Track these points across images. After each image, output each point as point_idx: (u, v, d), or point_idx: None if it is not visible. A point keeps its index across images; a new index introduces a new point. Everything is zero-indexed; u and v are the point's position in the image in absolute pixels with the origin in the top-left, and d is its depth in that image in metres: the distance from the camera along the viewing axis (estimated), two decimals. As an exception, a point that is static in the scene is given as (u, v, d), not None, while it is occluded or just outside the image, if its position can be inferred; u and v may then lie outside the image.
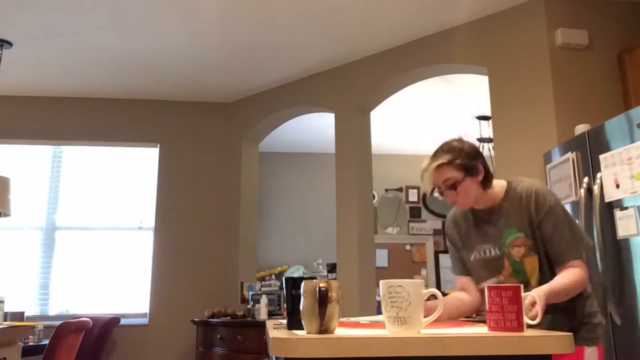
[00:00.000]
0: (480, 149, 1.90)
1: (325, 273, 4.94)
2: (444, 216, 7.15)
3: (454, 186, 1.83)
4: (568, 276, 1.72)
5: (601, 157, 2.58)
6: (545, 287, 1.63)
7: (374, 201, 4.74)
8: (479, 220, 1.92)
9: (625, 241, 2.45)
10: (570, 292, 1.73)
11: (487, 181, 1.86)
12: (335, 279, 4.48)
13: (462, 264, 2.00)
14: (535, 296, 1.45)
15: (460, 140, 1.90)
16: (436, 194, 1.90)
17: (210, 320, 4.40)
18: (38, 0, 3.58)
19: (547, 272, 1.81)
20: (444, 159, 1.83)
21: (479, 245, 1.91)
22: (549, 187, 1.89)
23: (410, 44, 4.20)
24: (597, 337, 1.81)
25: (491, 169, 1.91)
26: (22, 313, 4.24)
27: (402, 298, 1.19)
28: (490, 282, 1.86)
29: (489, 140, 5.90)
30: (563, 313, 1.80)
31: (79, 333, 3.98)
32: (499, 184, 1.90)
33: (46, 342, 3.81)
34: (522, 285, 1.25)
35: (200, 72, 4.75)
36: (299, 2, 3.65)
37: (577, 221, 1.87)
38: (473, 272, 1.96)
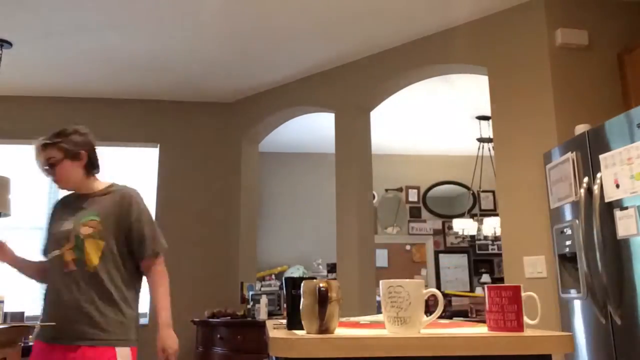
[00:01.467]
0: (94, 144, 2.25)
1: (325, 273, 4.94)
2: (444, 216, 7.15)
3: (53, 165, 2.09)
4: (160, 292, 2.39)
5: (601, 157, 2.58)
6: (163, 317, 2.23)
7: (374, 201, 4.74)
8: (75, 201, 2.18)
9: (625, 241, 2.45)
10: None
11: (90, 169, 2.16)
12: (335, 279, 4.48)
13: (44, 245, 2.24)
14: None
15: (74, 128, 2.17)
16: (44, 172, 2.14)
17: (210, 320, 4.40)
18: (38, 0, 3.58)
19: (112, 262, 2.08)
20: (49, 139, 2.11)
21: (60, 221, 2.14)
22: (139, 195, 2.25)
23: (410, 44, 4.20)
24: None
25: (97, 162, 2.22)
26: (22, 313, 4.24)
27: (402, 298, 1.19)
28: (53, 254, 2.10)
29: (489, 140, 5.90)
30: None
31: (79, 333, 3.97)
32: (104, 182, 2.22)
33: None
34: (522, 285, 1.25)
35: (200, 72, 4.75)
36: (299, 2, 3.65)
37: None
38: (48, 245, 2.19)
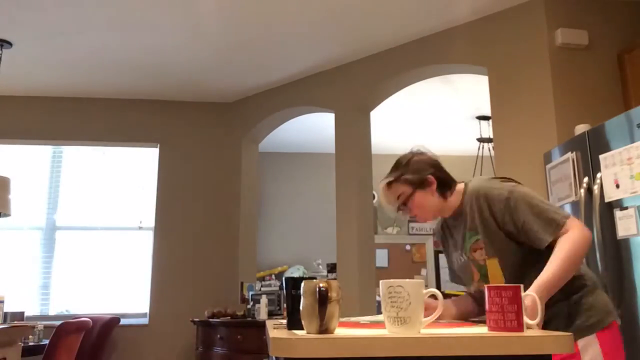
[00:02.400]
0: (438, 160, 1.89)
1: (325, 273, 4.94)
2: (444, 216, 7.15)
3: (406, 202, 1.82)
4: (556, 257, 1.58)
5: (601, 157, 2.58)
6: (539, 283, 1.53)
7: (374, 201, 4.74)
8: (450, 228, 1.93)
9: (625, 241, 2.45)
10: (567, 271, 1.58)
11: (444, 190, 1.84)
12: (335, 279, 4.48)
13: (452, 271, 2.00)
14: (536, 297, 1.38)
15: (410, 153, 1.90)
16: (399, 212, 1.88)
17: (210, 320, 4.40)
18: (38, 0, 3.58)
19: (517, 274, 1.71)
20: (391, 176, 1.85)
21: (453, 254, 1.92)
22: (492, 182, 1.80)
23: (410, 44, 4.20)
24: (592, 324, 1.68)
25: (449, 177, 1.87)
26: (22, 313, 4.24)
27: (402, 298, 1.19)
28: (470, 289, 1.88)
29: (489, 140, 5.89)
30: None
31: (79, 333, 3.98)
32: (459, 188, 1.87)
33: (46, 342, 3.81)
34: (522, 286, 1.25)
35: (200, 72, 4.75)
36: (298, 2, 3.65)
37: (541, 199, 1.73)
38: (455, 277, 1.98)
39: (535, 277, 1.56)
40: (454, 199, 1.85)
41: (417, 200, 1.82)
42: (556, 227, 1.64)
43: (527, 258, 1.72)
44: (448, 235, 1.95)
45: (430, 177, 1.82)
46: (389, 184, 1.84)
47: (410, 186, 1.81)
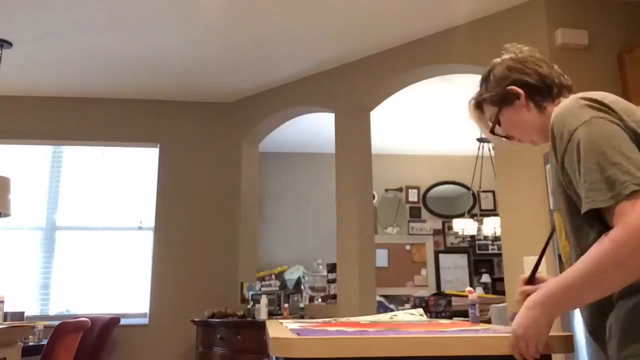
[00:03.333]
0: (524, 62, 1.49)
1: (325, 273, 4.93)
2: (444, 216, 7.15)
3: (499, 124, 1.46)
4: (579, 262, 1.11)
5: (601, 157, 2.57)
6: (545, 291, 1.15)
7: (374, 201, 4.73)
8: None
9: (625, 241, 2.44)
10: (585, 288, 1.09)
11: (540, 99, 1.38)
12: (335, 279, 4.48)
13: None
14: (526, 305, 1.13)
15: (490, 69, 1.53)
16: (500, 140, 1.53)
17: (210, 320, 4.40)
18: (38, 0, 3.58)
19: (581, 237, 1.22)
20: (473, 98, 1.55)
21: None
22: (574, 105, 1.21)
23: (410, 44, 4.20)
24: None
25: (545, 79, 1.41)
26: (22, 313, 4.24)
27: None
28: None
29: (489, 140, 5.89)
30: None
31: (78, 333, 3.97)
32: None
33: (46, 342, 3.81)
34: None
35: (200, 72, 4.75)
36: (299, 2, 3.65)
37: (624, 145, 1.11)
38: None
39: (576, 259, 1.16)
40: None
41: (507, 119, 1.44)
42: (613, 194, 1.06)
43: (577, 230, 1.24)
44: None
45: (512, 88, 1.41)
46: (475, 108, 1.54)
47: (494, 105, 1.46)
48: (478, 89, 1.51)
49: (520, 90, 1.39)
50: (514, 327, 1.14)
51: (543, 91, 1.38)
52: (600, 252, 1.06)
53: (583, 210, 1.12)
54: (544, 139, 1.40)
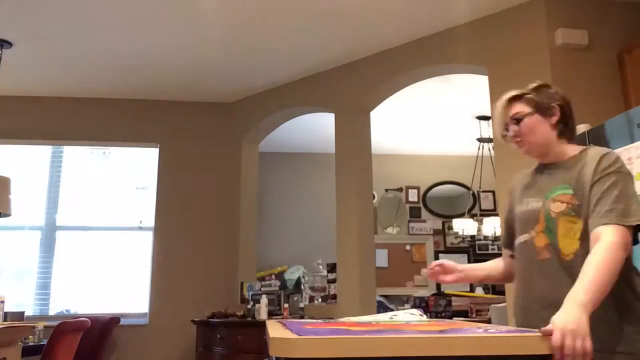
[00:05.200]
0: (570, 102, 1.76)
1: (325, 273, 4.94)
2: (444, 216, 7.15)
3: (519, 121, 1.70)
4: (590, 263, 1.39)
5: (601, 157, 2.58)
6: (584, 285, 1.33)
7: (374, 201, 4.73)
8: (542, 173, 1.76)
9: (625, 241, 2.44)
10: (606, 282, 1.36)
11: (564, 130, 1.69)
12: (335, 279, 4.48)
13: (507, 235, 1.84)
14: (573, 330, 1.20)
15: (546, 84, 1.76)
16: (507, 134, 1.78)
17: (210, 320, 4.40)
18: (38, 0, 3.58)
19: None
20: (516, 91, 1.73)
21: (526, 198, 1.75)
22: (620, 158, 1.59)
23: (410, 44, 4.20)
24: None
25: (574, 123, 1.73)
26: (22, 313, 4.24)
27: None
28: (522, 238, 1.69)
29: (489, 140, 5.89)
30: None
31: (77, 333, 3.97)
32: (578, 147, 1.71)
33: (46, 342, 3.80)
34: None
35: (200, 72, 4.75)
36: (299, 2, 3.65)
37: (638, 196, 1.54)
38: (515, 229, 1.78)
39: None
40: (568, 148, 1.70)
41: (531, 122, 1.68)
42: (608, 220, 1.46)
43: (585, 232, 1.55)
44: (531, 182, 1.79)
45: (556, 108, 1.69)
46: (511, 100, 1.73)
47: (532, 107, 1.69)
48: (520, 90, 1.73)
49: (559, 112, 1.69)
50: (561, 325, 1.21)
51: (569, 129, 1.71)
52: (603, 256, 1.39)
53: (635, 224, 1.46)
54: (541, 155, 1.74)
